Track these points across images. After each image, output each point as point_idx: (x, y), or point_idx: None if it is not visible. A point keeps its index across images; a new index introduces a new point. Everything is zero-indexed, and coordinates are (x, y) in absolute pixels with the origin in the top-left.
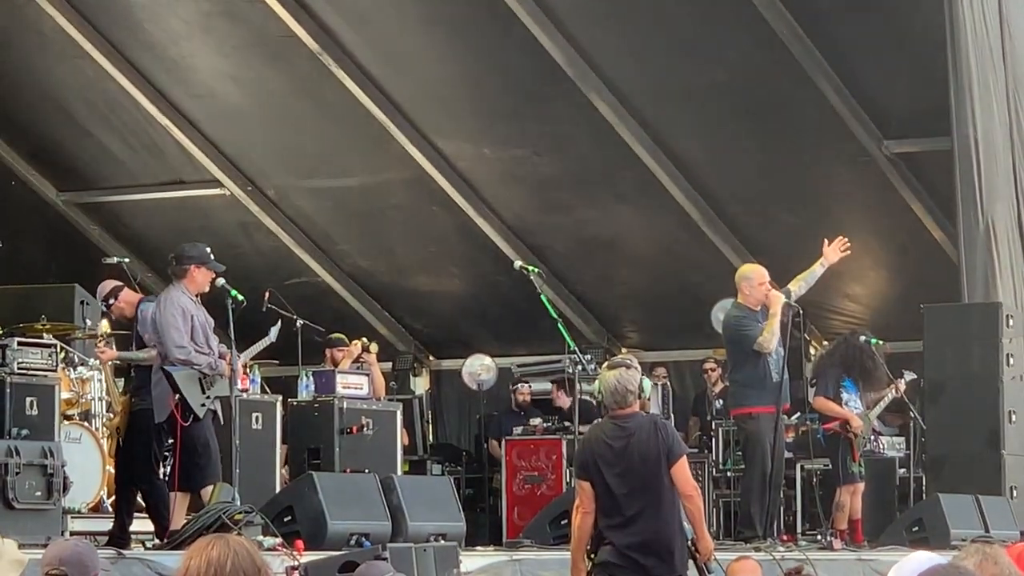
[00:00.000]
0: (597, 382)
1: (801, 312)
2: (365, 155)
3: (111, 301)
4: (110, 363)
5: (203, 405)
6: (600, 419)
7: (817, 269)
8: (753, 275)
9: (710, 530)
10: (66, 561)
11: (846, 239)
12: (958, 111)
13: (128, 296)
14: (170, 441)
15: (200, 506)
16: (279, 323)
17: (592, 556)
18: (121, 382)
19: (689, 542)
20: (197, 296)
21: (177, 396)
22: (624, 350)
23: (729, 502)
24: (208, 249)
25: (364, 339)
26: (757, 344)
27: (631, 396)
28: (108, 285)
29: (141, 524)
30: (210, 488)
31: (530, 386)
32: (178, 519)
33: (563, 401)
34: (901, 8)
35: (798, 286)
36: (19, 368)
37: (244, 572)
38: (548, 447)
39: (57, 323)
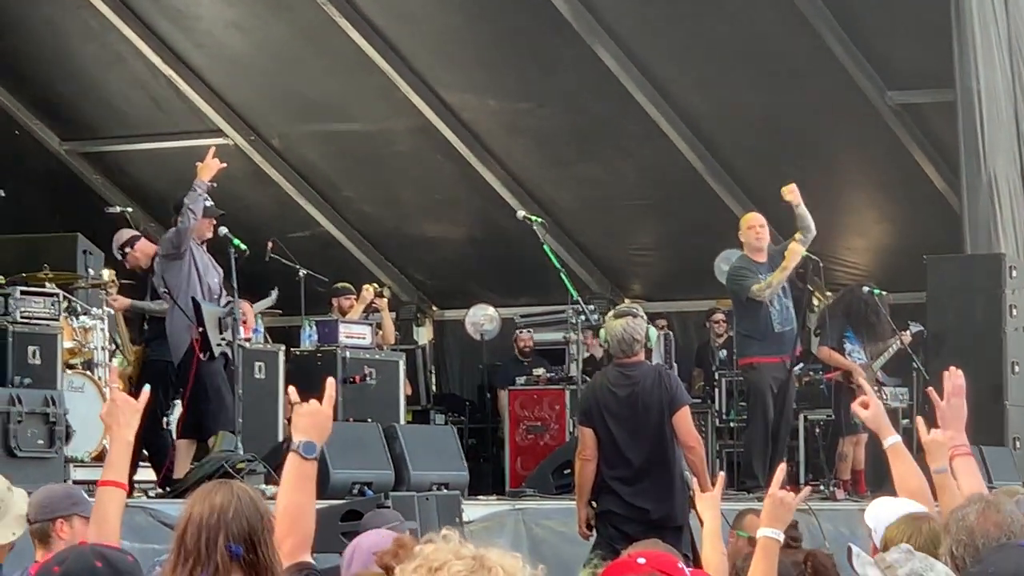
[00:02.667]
0: (603, 330)
1: (820, 264)
2: (370, 105)
3: (127, 250)
4: (121, 312)
5: (219, 345)
6: (605, 367)
7: (802, 212)
8: (743, 221)
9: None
10: (30, 503)
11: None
12: (961, 63)
13: (145, 247)
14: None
15: (206, 454)
16: (276, 290)
17: (594, 504)
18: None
19: (691, 492)
20: (202, 243)
21: (201, 329)
22: (627, 300)
23: (732, 452)
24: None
25: (375, 284)
26: (751, 293)
27: (637, 344)
28: (125, 234)
29: (144, 473)
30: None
31: (531, 332)
32: (182, 467)
33: (596, 349)
34: None
35: (801, 236)
36: (22, 317)
37: (247, 519)
38: (551, 397)
39: (60, 272)
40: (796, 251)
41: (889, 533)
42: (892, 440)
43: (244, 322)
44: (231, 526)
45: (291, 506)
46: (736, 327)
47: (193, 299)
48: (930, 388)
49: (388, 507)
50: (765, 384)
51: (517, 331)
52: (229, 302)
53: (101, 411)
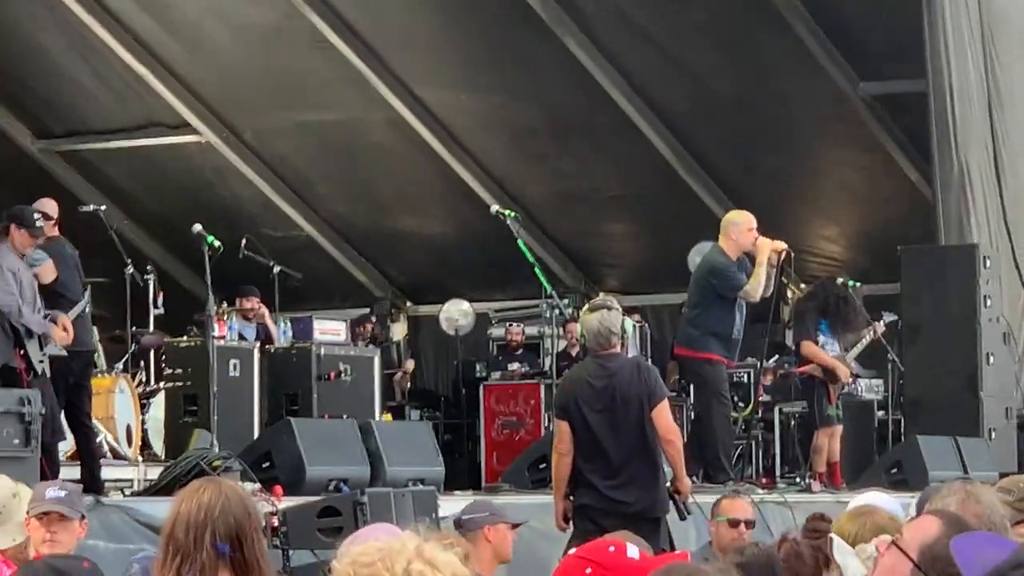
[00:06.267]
0: (579, 324)
1: (792, 254)
2: (344, 101)
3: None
4: None
5: (41, 362)
6: (582, 360)
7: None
8: (742, 220)
9: (689, 473)
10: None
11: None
12: (932, 54)
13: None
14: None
15: None
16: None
17: (571, 497)
18: None
19: (668, 483)
20: (23, 256)
21: (22, 351)
22: (602, 294)
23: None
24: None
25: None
26: (744, 293)
27: (614, 337)
28: (51, 207)
29: (112, 471)
30: None
31: (522, 327)
32: None
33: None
34: None
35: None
36: None
37: (235, 517)
38: (526, 392)
39: None
40: (764, 243)
41: (837, 526)
42: None
43: (219, 320)
44: (218, 524)
45: None
46: (693, 321)
47: (10, 324)
48: None
49: (364, 503)
50: (724, 380)
51: (509, 324)
52: (47, 315)
53: None
